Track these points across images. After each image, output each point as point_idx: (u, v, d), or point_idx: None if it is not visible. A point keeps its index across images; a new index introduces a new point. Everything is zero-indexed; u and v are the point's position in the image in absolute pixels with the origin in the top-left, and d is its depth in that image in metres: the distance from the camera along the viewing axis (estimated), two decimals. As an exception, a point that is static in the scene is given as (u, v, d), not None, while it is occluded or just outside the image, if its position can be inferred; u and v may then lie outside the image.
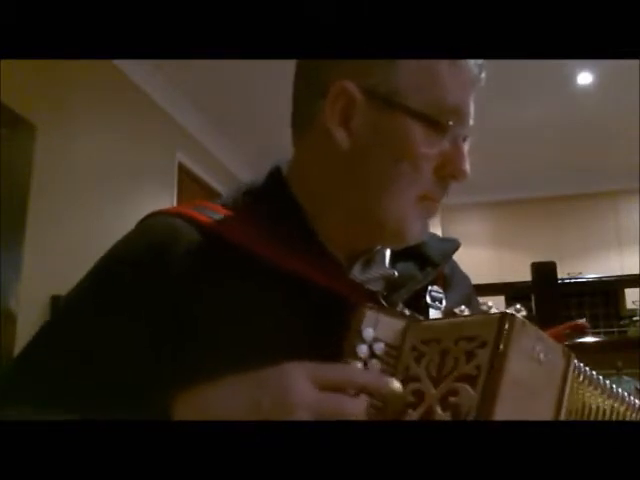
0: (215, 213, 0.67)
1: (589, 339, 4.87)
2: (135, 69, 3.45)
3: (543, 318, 2.43)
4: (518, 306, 0.54)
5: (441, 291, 0.72)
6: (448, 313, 0.68)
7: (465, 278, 0.84)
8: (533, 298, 2.72)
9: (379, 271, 0.71)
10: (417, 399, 0.53)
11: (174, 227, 0.65)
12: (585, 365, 0.56)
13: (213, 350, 0.58)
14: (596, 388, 0.57)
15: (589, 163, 5.21)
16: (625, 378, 2.05)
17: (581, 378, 0.55)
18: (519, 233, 5.63)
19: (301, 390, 0.50)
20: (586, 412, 0.55)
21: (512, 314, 0.52)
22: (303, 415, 0.50)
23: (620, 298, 5.45)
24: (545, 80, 3.90)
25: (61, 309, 0.66)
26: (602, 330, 5.52)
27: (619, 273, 5.13)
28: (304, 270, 0.63)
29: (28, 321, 2.49)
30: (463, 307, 0.61)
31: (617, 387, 0.58)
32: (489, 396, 0.49)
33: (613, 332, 5.52)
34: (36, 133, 2.66)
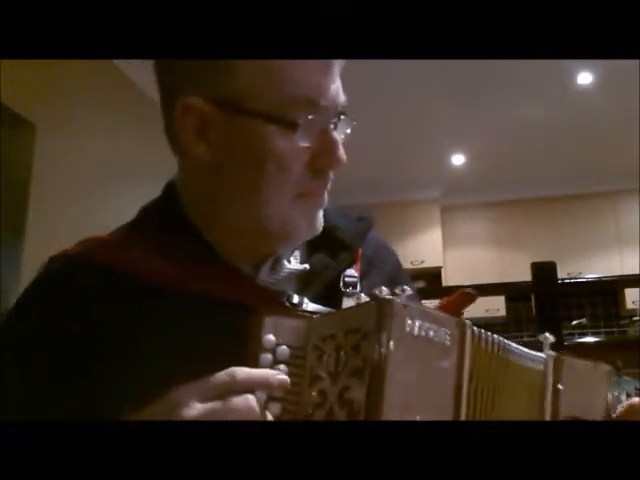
0: (106, 245, 0.68)
1: (589, 339, 4.87)
2: (135, 69, 3.45)
3: (543, 318, 2.43)
4: (405, 287, 0.50)
5: (355, 275, 0.70)
6: (358, 299, 0.66)
7: (389, 255, 0.81)
8: (533, 298, 2.72)
9: (286, 270, 0.69)
10: (322, 399, 0.52)
11: (66, 269, 0.65)
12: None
13: (119, 378, 0.58)
14: (497, 349, 0.56)
15: (589, 163, 5.21)
16: (625, 378, 2.05)
17: (482, 344, 0.54)
18: (519, 233, 5.63)
19: (184, 408, 0.51)
20: (492, 374, 0.55)
21: (388, 299, 0.49)
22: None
23: (620, 298, 5.45)
24: (545, 80, 3.90)
25: None
26: (602, 330, 5.53)
27: (619, 273, 5.13)
28: (201, 283, 0.63)
29: (28, 321, 2.48)
30: (383, 288, 0.57)
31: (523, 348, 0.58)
32: (376, 388, 0.47)
33: (613, 332, 5.52)
34: (36, 133, 2.65)
